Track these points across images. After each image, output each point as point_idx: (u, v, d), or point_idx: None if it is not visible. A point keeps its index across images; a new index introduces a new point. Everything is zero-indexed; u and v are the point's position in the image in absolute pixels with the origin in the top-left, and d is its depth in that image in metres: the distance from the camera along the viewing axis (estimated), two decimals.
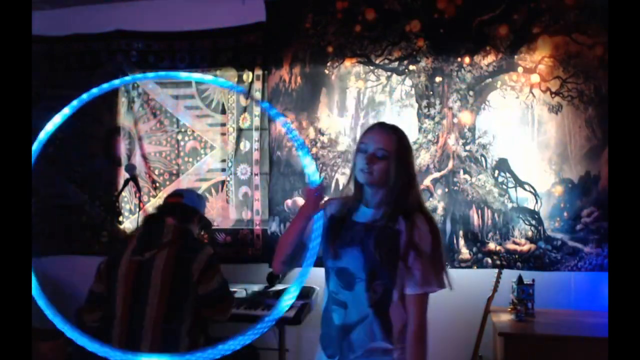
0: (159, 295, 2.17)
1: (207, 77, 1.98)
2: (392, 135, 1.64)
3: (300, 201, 3.34)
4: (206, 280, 2.22)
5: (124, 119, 3.72)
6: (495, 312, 2.92)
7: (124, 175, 3.54)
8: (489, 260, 3.10)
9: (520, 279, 2.89)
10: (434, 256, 1.59)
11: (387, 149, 1.60)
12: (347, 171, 3.25)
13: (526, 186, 3.07)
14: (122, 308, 2.22)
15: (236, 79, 3.53)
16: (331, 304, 1.65)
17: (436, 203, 3.17)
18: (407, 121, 3.21)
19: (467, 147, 3.14)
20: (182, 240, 2.28)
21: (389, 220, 1.60)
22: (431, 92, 3.19)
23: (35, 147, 1.57)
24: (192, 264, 2.21)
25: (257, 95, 3.49)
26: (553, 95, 3.04)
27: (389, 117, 3.23)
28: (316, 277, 3.21)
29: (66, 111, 1.60)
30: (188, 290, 2.20)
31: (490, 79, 3.11)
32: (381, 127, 1.68)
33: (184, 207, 2.44)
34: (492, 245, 3.10)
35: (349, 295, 1.60)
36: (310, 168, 1.54)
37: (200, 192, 3.57)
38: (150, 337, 2.16)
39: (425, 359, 1.62)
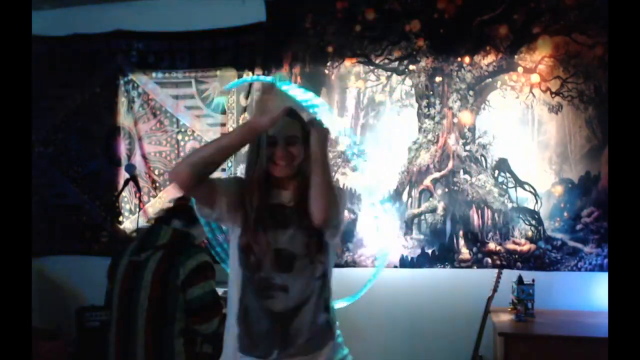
0: (149, 297, 2.18)
1: None
2: (294, 119, 1.62)
3: None
4: (191, 285, 2.19)
5: (124, 119, 3.72)
6: (495, 312, 2.92)
7: (124, 175, 3.54)
8: (489, 260, 3.10)
9: (520, 279, 2.89)
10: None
11: (297, 134, 1.58)
12: (348, 171, 3.26)
13: (526, 186, 3.07)
14: (118, 308, 2.24)
15: (236, 79, 3.53)
16: (266, 292, 1.54)
17: (436, 203, 3.17)
18: (407, 121, 3.21)
19: (467, 147, 3.14)
20: (178, 244, 2.28)
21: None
22: (431, 92, 3.19)
23: None
24: (180, 267, 2.21)
25: (257, 95, 3.49)
26: (553, 95, 3.04)
27: (389, 116, 3.23)
28: None
29: None
30: (176, 294, 2.19)
31: (490, 79, 3.11)
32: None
33: (189, 209, 2.44)
34: (492, 245, 3.10)
35: (287, 277, 1.53)
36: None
37: None
38: (143, 338, 2.17)
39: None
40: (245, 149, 1.62)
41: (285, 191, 1.62)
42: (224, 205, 1.54)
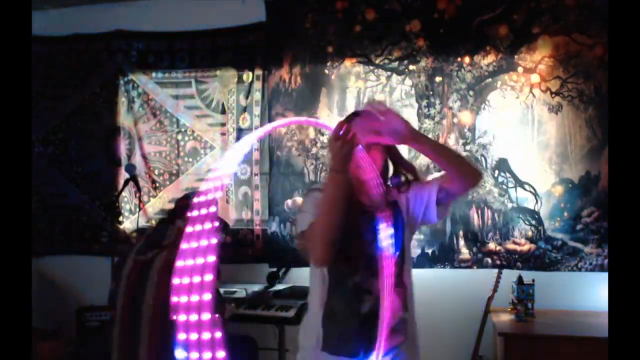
0: (154, 296, 2.18)
1: None
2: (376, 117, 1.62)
3: (301, 200, 3.33)
4: None
5: (124, 119, 3.72)
6: (495, 312, 2.92)
7: (124, 175, 3.54)
8: (489, 260, 3.10)
9: (520, 279, 2.89)
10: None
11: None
12: None
13: (526, 186, 3.07)
14: (122, 307, 2.24)
15: (236, 79, 3.53)
16: (355, 296, 1.58)
17: None
18: None
19: (467, 147, 3.14)
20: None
21: (389, 197, 1.61)
22: (431, 92, 3.19)
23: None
24: None
25: (257, 95, 3.49)
26: (553, 95, 3.04)
27: None
28: None
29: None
30: None
31: (490, 79, 3.11)
32: (363, 114, 1.65)
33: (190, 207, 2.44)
34: (492, 245, 3.10)
35: (374, 281, 1.56)
36: None
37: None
38: (147, 337, 2.17)
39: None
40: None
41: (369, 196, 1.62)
42: None
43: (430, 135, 3.19)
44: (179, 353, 1.16)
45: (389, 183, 1.67)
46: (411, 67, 3.21)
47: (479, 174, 1.63)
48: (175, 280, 1.20)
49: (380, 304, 1.54)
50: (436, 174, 1.65)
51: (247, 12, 3.46)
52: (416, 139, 1.52)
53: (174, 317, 1.23)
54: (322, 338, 1.60)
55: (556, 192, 3.04)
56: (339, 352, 1.58)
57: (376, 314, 1.54)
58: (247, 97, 3.51)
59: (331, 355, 1.59)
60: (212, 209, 1.24)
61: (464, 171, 1.58)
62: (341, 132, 1.38)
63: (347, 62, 3.28)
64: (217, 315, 2.28)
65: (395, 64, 3.23)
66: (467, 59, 3.13)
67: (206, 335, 1.15)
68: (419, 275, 3.17)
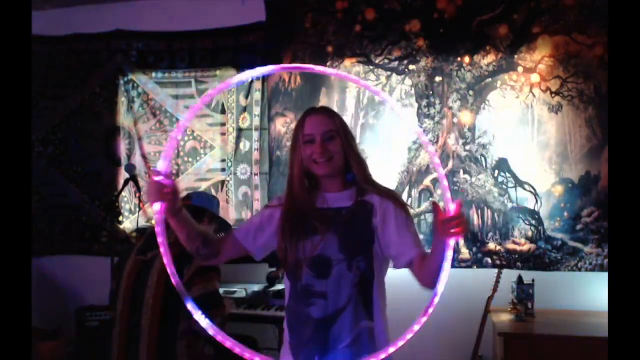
0: (154, 297, 2.18)
1: None
2: (331, 115, 1.61)
3: None
4: (193, 285, 2.17)
5: (124, 119, 3.72)
6: (495, 312, 2.92)
7: (124, 175, 3.54)
8: (489, 260, 3.10)
9: (520, 279, 2.89)
10: (412, 221, 1.64)
11: (334, 128, 1.57)
12: None
13: (526, 186, 3.08)
14: (122, 307, 2.24)
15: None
16: (307, 300, 1.55)
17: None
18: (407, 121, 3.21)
19: (467, 147, 3.14)
20: None
21: (359, 196, 1.58)
22: (431, 92, 3.19)
23: None
24: (186, 267, 2.20)
25: (257, 95, 3.49)
26: (553, 95, 3.04)
27: (389, 117, 3.23)
28: None
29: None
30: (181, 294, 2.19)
31: (490, 79, 3.11)
32: (316, 111, 1.64)
33: (192, 208, 2.44)
34: (492, 245, 3.10)
35: (327, 283, 1.52)
36: None
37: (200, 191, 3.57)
38: (147, 337, 2.17)
39: None
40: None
41: (330, 194, 1.61)
42: (260, 243, 1.64)
43: (430, 136, 3.20)
44: None
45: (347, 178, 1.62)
46: (411, 67, 3.21)
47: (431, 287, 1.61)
48: None
49: (334, 309, 1.52)
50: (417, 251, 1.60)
51: (247, 12, 3.46)
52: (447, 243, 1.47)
53: None
54: (289, 343, 1.60)
55: (556, 192, 3.04)
56: (297, 356, 1.57)
57: (330, 319, 1.52)
58: (247, 97, 3.51)
59: (292, 357, 1.58)
60: None
61: (432, 281, 1.55)
62: (156, 177, 1.44)
63: (347, 62, 3.29)
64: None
65: (395, 64, 3.23)
66: (467, 59, 3.13)
67: None
68: None
